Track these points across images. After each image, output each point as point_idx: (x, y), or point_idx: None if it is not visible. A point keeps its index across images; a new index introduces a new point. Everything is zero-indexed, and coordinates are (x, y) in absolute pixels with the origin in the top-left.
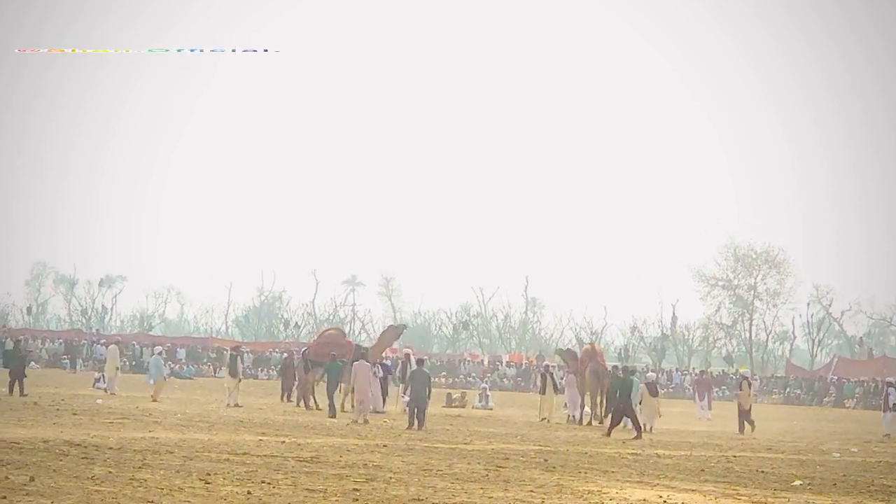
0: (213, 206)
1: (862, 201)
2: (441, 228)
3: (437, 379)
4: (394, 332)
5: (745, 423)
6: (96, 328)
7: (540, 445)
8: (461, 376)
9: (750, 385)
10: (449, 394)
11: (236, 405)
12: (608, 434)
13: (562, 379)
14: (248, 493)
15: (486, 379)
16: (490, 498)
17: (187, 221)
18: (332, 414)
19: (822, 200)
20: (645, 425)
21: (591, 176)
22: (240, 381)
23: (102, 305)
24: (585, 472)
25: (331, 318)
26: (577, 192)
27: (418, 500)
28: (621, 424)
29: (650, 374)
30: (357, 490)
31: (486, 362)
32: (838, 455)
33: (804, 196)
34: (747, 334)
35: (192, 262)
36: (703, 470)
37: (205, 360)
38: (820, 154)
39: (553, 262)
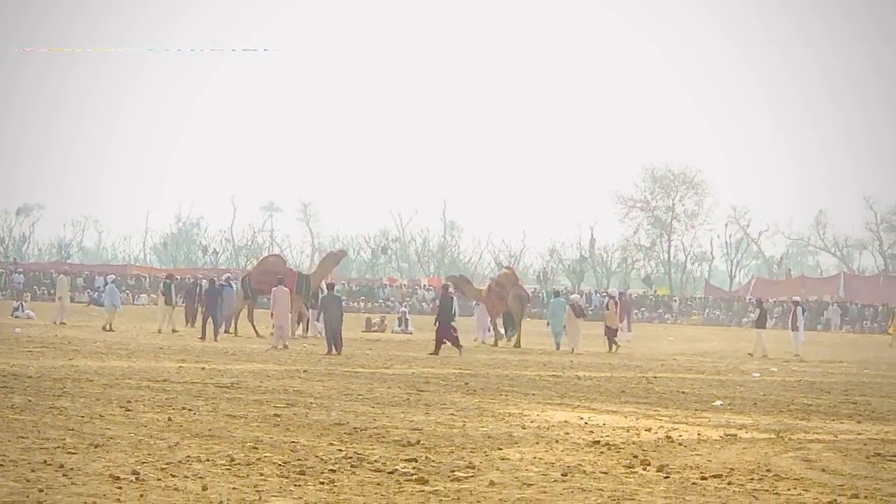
0: (133, 136)
1: (781, 120)
2: (359, 153)
3: (356, 304)
4: (333, 258)
5: (611, 341)
6: (13, 257)
7: (460, 369)
8: (380, 301)
9: (617, 304)
10: (368, 318)
11: (174, 331)
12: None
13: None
14: (169, 419)
15: (406, 303)
16: (411, 421)
17: (105, 149)
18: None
19: (740, 119)
20: (572, 349)
21: (510, 96)
22: (174, 308)
23: (22, 234)
24: (506, 395)
25: (249, 244)
26: (496, 113)
27: (339, 424)
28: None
29: (574, 295)
30: (278, 416)
31: (404, 287)
32: (758, 375)
33: (722, 115)
34: (666, 255)
35: (110, 189)
36: (623, 391)
37: (123, 288)
38: (739, 71)
39: (471, 184)
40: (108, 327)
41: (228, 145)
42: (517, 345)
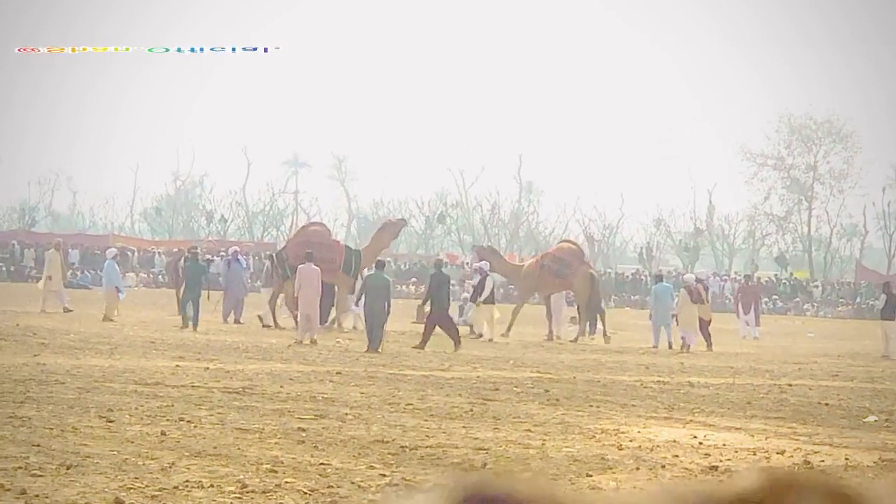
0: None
1: None
2: (408, 95)
3: (404, 287)
4: (392, 229)
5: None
6: None
7: (539, 372)
8: None
9: (692, 292)
10: (420, 306)
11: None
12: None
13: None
14: (162, 433)
15: (469, 286)
16: (475, 439)
17: (80, 86)
18: (188, 324)
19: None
20: (683, 341)
21: (604, 26)
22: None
23: None
24: (597, 406)
25: (267, 209)
26: (584, 46)
27: (382, 441)
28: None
29: (688, 275)
30: (303, 430)
31: (467, 266)
32: None
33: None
34: (805, 228)
35: (86, 138)
36: (749, 403)
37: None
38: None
39: (554, 136)
40: (110, 316)
41: (240, 81)
42: (606, 339)
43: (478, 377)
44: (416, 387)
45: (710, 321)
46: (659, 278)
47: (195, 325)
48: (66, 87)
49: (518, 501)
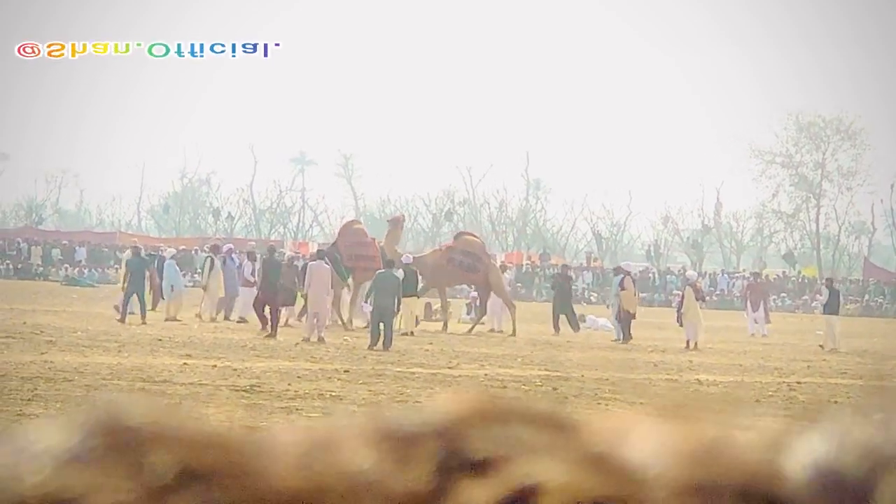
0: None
1: None
2: (415, 91)
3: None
4: (394, 227)
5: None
6: None
7: (547, 370)
8: None
9: (635, 282)
10: (428, 304)
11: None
12: None
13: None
14: None
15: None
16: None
17: (89, 84)
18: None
19: None
20: (688, 341)
21: (611, 24)
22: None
23: None
24: (606, 405)
25: (274, 206)
26: (592, 43)
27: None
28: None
29: (690, 272)
30: (312, 428)
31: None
32: None
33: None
34: (813, 226)
35: (94, 136)
36: (758, 401)
37: (111, 263)
38: None
39: (562, 133)
40: (174, 316)
41: (247, 79)
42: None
43: (486, 375)
44: (423, 384)
45: (634, 314)
46: (619, 271)
47: (123, 316)
48: (71, 85)
49: (151, 427)
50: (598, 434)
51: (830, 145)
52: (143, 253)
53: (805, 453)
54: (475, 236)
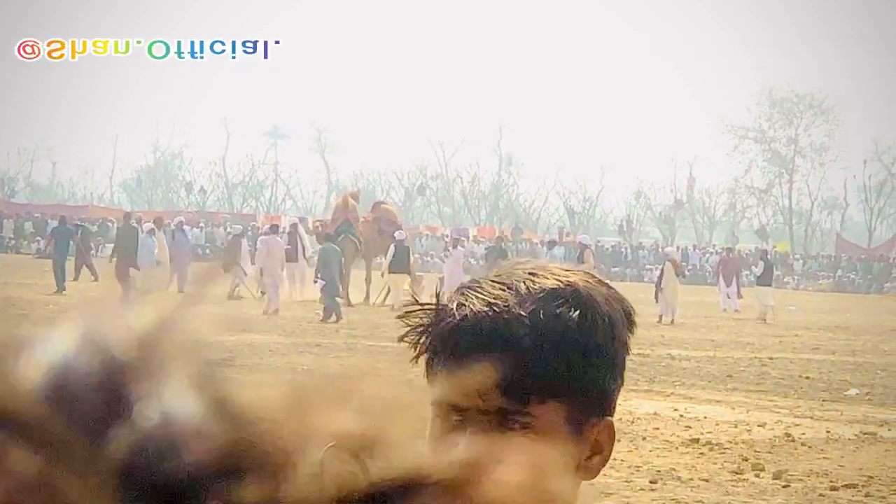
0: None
1: None
2: (388, 67)
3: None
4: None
5: None
6: None
7: None
8: (416, 255)
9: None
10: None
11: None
12: None
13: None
14: None
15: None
16: None
17: (62, 60)
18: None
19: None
20: (661, 316)
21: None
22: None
23: None
24: None
25: (246, 180)
26: (566, 19)
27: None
28: None
29: (669, 248)
30: None
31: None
32: None
33: (854, 33)
34: (786, 201)
35: (66, 109)
36: (730, 376)
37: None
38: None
39: (534, 108)
40: (233, 293)
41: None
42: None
43: None
44: (396, 359)
45: None
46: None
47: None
48: (47, 59)
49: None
50: None
51: (803, 121)
52: (67, 222)
53: (40, 356)
54: (388, 205)
